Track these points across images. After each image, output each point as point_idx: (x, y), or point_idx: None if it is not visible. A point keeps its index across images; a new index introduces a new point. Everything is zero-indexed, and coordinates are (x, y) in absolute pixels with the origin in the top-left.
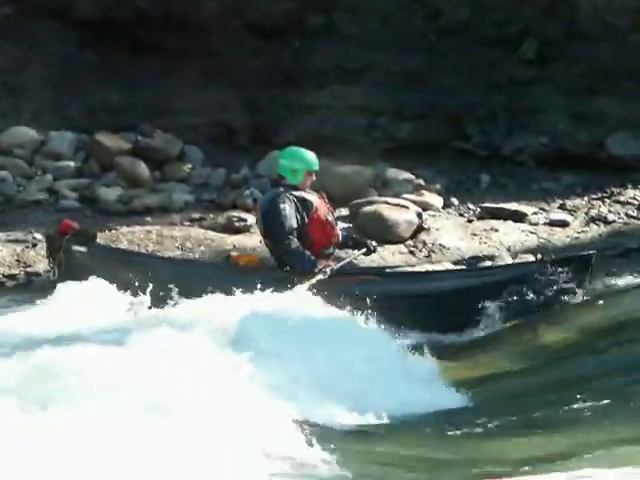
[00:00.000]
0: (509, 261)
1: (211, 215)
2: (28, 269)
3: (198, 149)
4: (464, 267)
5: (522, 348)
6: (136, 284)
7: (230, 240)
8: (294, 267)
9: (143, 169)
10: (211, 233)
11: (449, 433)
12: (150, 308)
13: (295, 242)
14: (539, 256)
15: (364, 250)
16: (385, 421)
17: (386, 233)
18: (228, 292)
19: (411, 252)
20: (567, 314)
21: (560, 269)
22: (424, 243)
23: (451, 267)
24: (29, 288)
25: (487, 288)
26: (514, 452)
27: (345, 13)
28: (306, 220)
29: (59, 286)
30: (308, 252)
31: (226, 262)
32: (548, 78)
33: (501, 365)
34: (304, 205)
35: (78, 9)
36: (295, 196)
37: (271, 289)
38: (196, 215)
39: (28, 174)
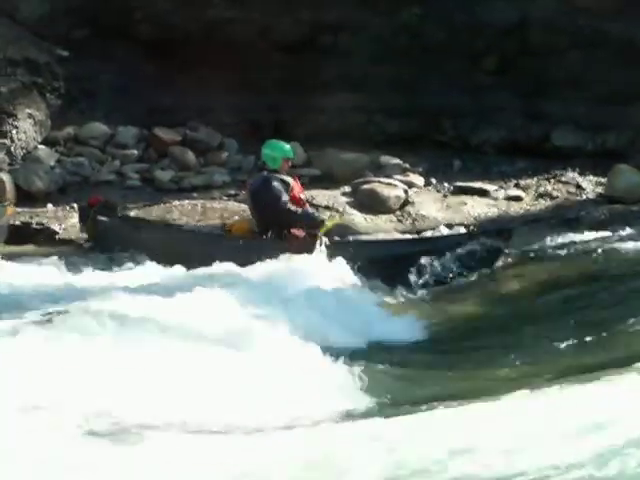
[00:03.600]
0: (445, 232)
1: (243, 192)
2: None
3: (234, 140)
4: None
5: (481, 296)
6: (145, 246)
7: None
8: (304, 222)
9: (191, 156)
10: (243, 206)
11: (417, 359)
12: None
13: (294, 206)
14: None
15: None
16: (361, 348)
17: (379, 205)
18: (222, 257)
19: (399, 220)
20: (519, 268)
21: (483, 241)
22: (409, 213)
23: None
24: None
25: (423, 253)
26: (477, 376)
27: (348, 34)
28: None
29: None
30: (308, 207)
31: (221, 229)
32: (506, 85)
33: (463, 309)
34: (284, 185)
35: (141, 32)
36: (277, 177)
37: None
38: (232, 192)
39: (101, 160)
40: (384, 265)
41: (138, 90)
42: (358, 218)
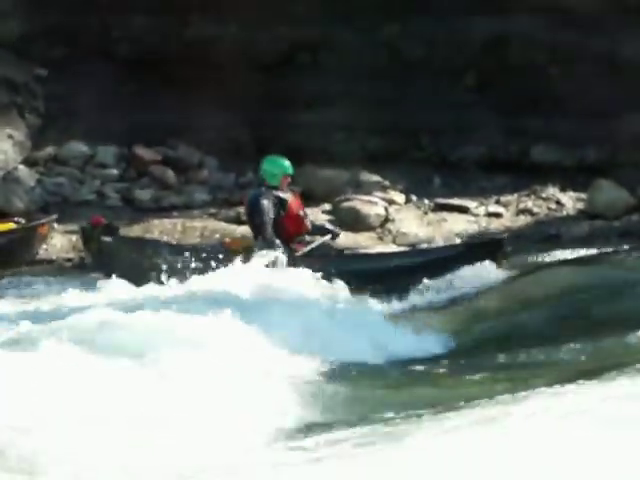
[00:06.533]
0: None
1: (224, 210)
2: (81, 254)
3: (213, 159)
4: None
5: (465, 312)
6: (147, 265)
7: (238, 230)
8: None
9: (170, 175)
10: (223, 224)
11: (425, 372)
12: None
13: (270, 231)
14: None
15: (329, 236)
16: (371, 365)
17: (360, 223)
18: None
19: (380, 238)
20: (503, 284)
21: (477, 250)
22: (390, 230)
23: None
24: (81, 268)
25: (423, 266)
26: (485, 386)
27: (327, 52)
28: (282, 214)
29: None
30: (278, 240)
31: (221, 247)
32: (485, 101)
33: (464, 322)
34: (280, 202)
35: (120, 50)
36: (273, 195)
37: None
38: (212, 210)
39: (81, 179)
40: (377, 279)
41: (117, 109)
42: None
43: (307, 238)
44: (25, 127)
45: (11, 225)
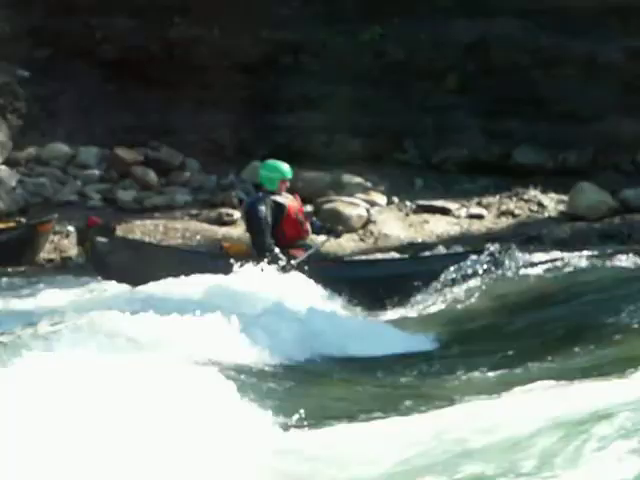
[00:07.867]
0: (443, 251)
1: (205, 211)
2: (63, 254)
3: (195, 160)
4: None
5: (449, 314)
6: (143, 267)
7: (220, 231)
8: (263, 258)
9: (152, 176)
10: (205, 225)
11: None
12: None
13: (268, 239)
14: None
15: (330, 236)
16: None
17: (342, 225)
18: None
19: (361, 240)
20: (490, 287)
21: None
22: (371, 232)
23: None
24: (63, 269)
25: (423, 274)
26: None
27: (310, 54)
28: (279, 219)
29: None
30: (277, 249)
31: (219, 251)
32: (467, 104)
33: (451, 323)
34: (278, 207)
35: (102, 51)
36: (271, 200)
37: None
38: (194, 211)
39: (62, 180)
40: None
41: (99, 110)
42: (320, 237)
43: (308, 240)
44: (7, 128)
45: (11, 224)
